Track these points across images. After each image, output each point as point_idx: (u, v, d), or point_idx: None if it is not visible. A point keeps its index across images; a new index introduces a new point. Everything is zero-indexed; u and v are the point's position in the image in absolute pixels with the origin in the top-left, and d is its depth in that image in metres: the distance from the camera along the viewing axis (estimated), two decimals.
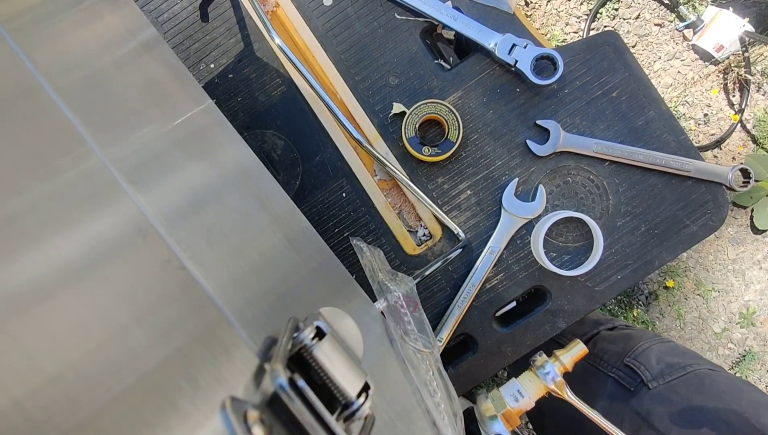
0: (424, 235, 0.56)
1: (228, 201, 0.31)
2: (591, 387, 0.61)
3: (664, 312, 1.17)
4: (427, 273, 0.52)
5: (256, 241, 0.30)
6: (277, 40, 0.49)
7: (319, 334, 0.24)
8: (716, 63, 1.15)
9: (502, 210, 0.53)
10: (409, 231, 0.55)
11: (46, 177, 0.19)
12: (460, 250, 0.53)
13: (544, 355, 0.50)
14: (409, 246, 0.55)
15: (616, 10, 1.16)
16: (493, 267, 0.53)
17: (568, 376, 0.49)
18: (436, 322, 0.54)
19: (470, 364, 0.54)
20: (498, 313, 0.55)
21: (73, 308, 0.17)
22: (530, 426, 1.10)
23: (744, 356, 1.15)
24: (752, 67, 1.11)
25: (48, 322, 0.16)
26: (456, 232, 0.53)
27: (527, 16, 1.16)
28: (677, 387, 0.55)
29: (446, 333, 0.53)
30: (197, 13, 0.55)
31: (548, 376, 0.48)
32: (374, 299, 0.43)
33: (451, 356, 0.56)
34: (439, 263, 0.52)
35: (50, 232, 0.18)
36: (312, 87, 0.50)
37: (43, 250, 0.17)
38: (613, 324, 0.73)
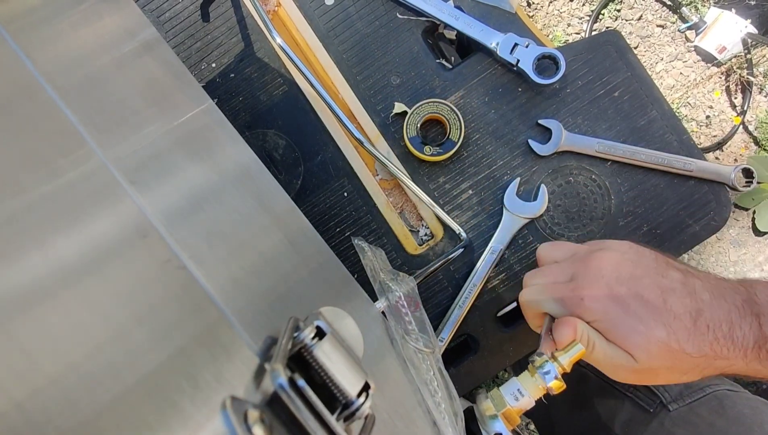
0: (425, 234, 0.56)
1: (228, 201, 0.31)
2: (608, 406, 0.61)
3: None
4: (429, 271, 0.51)
5: (256, 241, 0.30)
6: (278, 40, 0.49)
7: (320, 333, 0.24)
8: (718, 65, 1.14)
9: (504, 209, 0.53)
10: (410, 231, 0.55)
11: (46, 177, 0.19)
12: (462, 250, 0.53)
13: (543, 355, 0.50)
14: (411, 246, 0.55)
15: (618, 11, 1.16)
16: (495, 267, 0.53)
17: (585, 393, 0.49)
18: (437, 322, 0.54)
19: (472, 365, 0.54)
20: (500, 314, 0.55)
21: (73, 309, 0.17)
22: (530, 427, 1.09)
23: None
24: (755, 69, 1.11)
25: (48, 323, 0.16)
26: (458, 232, 0.53)
27: (529, 16, 1.16)
28: (698, 409, 0.54)
29: (448, 333, 0.53)
30: (199, 13, 0.55)
31: (547, 376, 0.48)
32: (375, 299, 0.43)
33: (452, 356, 0.55)
34: (440, 262, 0.52)
35: (50, 233, 0.18)
36: (313, 86, 0.50)
37: (44, 250, 0.17)
38: None
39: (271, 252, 0.31)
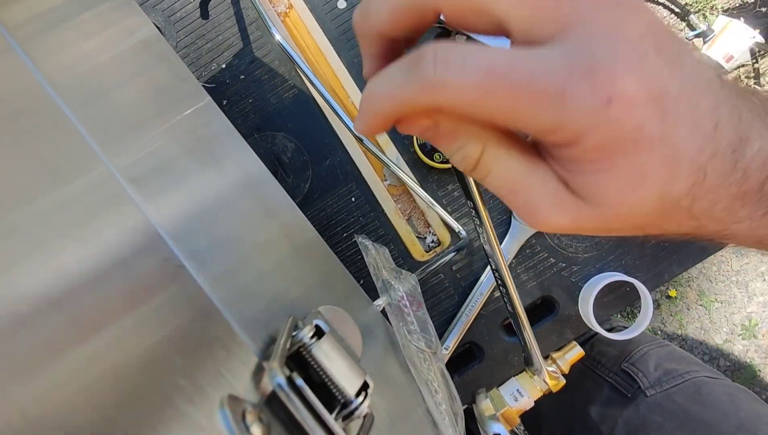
0: (432, 241, 0.56)
1: (233, 207, 0.31)
2: (588, 390, 0.61)
3: (666, 321, 1.16)
4: (431, 268, 0.51)
5: (260, 247, 0.30)
6: (278, 37, 0.48)
7: (318, 332, 0.24)
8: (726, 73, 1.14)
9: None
10: (417, 237, 0.55)
11: (54, 186, 0.19)
12: (462, 249, 0.52)
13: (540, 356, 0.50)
14: (418, 252, 0.55)
15: None
16: None
17: (564, 378, 0.49)
18: (443, 329, 0.54)
19: (476, 373, 0.54)
20: (505, 322, 0.55)
21: (78, 315, 0.17)
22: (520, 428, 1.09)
23: (745, 368, 1.15)
24: (762, 78, 1.11)
25: (53, 330, 0.16)
26: (457, 231, 0.53)
27: None
28: (674, 395, 0.54)
29: (453, 341, 0.53)
30: (211, 13, 0.55)
31: (545, 377, 0.48)
32: (377, 298, 0.43)
33: (456, 364, 0.55)
34: (441, 261, 0.51)
35: (56, 241, 0.18)
36: (314, 86, 0.49)
37: (50, 258, 0.17)
38: (611, 325, 0.73)
39: (275, 256, 0.31)
